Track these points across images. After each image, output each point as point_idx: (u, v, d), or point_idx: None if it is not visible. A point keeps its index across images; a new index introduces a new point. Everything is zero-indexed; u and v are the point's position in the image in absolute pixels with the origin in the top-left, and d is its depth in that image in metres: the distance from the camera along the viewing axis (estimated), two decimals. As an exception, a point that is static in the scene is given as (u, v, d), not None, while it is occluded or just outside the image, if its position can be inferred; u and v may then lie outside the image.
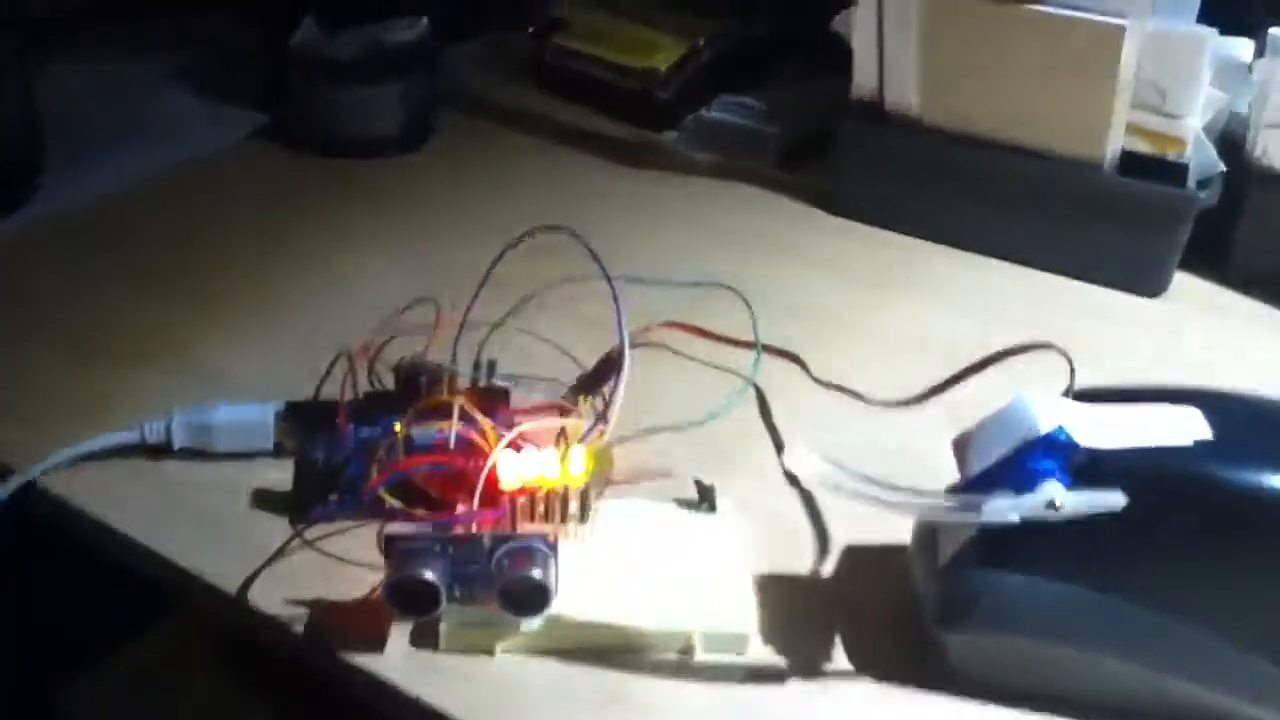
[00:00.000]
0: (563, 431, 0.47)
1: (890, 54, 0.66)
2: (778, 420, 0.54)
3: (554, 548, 0.41)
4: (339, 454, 0.47)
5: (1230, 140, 0.64)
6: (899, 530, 0.43)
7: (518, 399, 0.51)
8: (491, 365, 0.52)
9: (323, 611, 0.43)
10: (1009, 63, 0.63)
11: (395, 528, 0.41)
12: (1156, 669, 0.39)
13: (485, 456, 0.43)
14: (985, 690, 0.41)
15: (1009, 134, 0.64)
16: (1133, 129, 0.62)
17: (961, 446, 0.41)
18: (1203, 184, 0.62)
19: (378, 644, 0.42)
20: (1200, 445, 0.37)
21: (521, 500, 0.43)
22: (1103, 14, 0.59)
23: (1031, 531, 0.37)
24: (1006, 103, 0.64)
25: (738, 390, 0.54)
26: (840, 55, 0.68)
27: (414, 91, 0.76)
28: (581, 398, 0.51)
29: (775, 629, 0.43)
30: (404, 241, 0.66)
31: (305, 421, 0.49)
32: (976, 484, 0.39)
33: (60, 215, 0.66)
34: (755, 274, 0.64)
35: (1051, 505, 0.37)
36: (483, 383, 0.52)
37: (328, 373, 0.50)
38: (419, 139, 0.77)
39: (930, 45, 0.64)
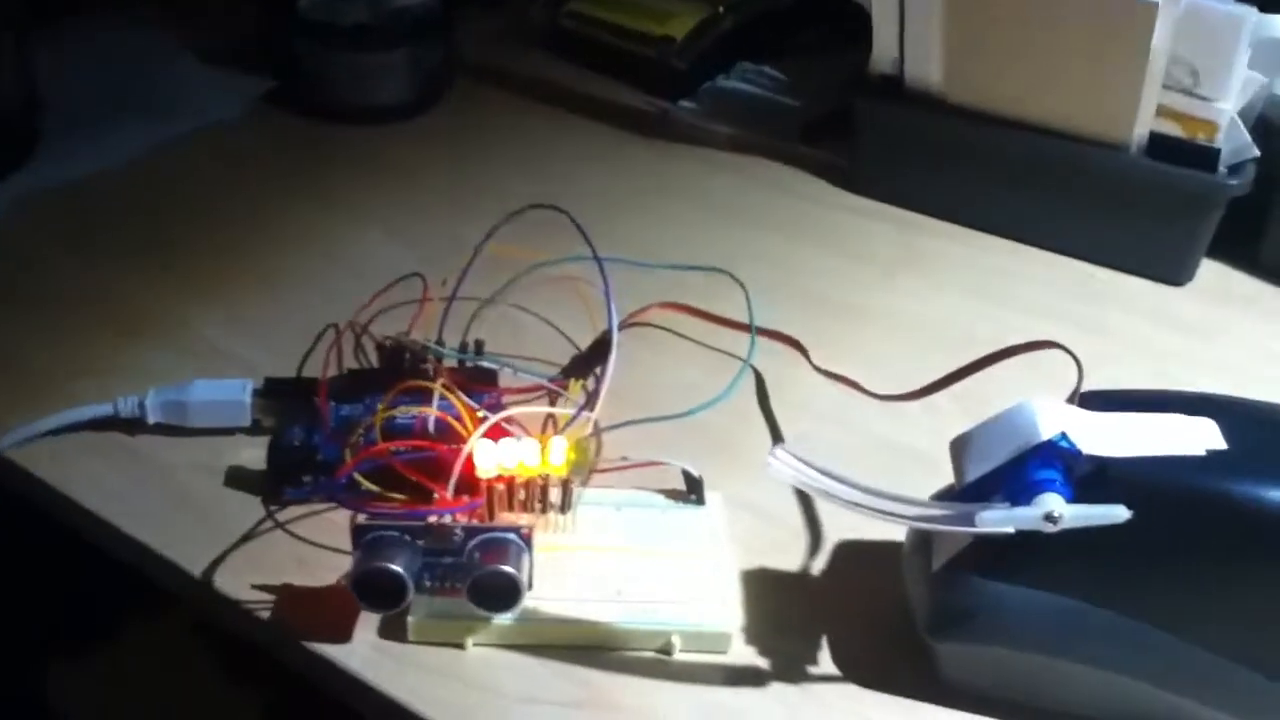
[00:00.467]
0: (550, 417, 0.45)
1: (911, 28, 0.63)
2: (776, 409, 0.52)
3: (528, 540, 0.40)
4: (318, 433, 0.46)
5: (1269, 124, 0.61)
6: (894, 528, 0.41)
7: (507, 380, 0.49)
8: (479, 345, 0.51)
9: (289, 598, 0.41)
10: (1035, 39, 0.60)
11: (364, 517, 0.39)
12: (1157, 686, 0.38)
13: (463, 442, 0.41)
14: (976, 699, 0.40)
15: (1033, 113, 0.62)
16: (1163, 111, 0.59)
17: (959, 449, 0.39)
18: (1235, 169, 0.60)
19: (344, 634, 0.40)
20: (1213, 456, 0.36)
21: (500, 489, 0.42)
22: (1135, -11, 0.57)
23: (1030, 541, 0.36)
24: (1031, 81, 0.61)
25: (734, 376, 0.52)
26: (866, 25, 0.65)
27: (423, 58, 0.74)
28: (573, 380, 0.50)
29: (759, 628, 0.42)
30: (407, 213, 0.64)
31: (284, 399, 0.48)
32: (973, 491, 0.37)
33: (55, 186, 0.64)
34: (765, 253, 0.62)
35: (1049, 518, 0.35)
36: (470, 363, 0.50)
37: (311, 348, 0.49)
38: (428, 105, 0.75)
39: (953, 19, 0.62)
